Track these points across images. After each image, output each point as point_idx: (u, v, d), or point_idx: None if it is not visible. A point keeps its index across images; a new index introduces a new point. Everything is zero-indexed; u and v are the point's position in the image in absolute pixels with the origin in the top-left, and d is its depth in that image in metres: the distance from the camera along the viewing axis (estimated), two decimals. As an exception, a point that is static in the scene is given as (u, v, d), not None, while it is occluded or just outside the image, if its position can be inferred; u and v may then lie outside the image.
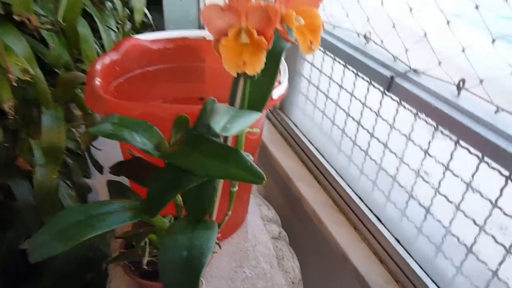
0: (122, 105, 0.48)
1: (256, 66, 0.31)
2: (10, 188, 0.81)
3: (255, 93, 0.40)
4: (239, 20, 0.31)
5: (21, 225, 0.84)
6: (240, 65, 0.31)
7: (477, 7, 0.47)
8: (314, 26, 0.33)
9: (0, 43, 0.64)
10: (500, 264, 0.49)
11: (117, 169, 0.52)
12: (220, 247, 0.67)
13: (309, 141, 0.89)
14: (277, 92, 0.52)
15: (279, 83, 0.55)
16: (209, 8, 0.30)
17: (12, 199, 0.84)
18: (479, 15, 0.47)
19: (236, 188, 0.48)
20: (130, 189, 0.51)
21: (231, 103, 0.39)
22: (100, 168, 1.05)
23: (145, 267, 0.50)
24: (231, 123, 0.31)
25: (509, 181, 0.47)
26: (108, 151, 1.09)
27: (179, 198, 0.48)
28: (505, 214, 0.48)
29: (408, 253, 0.62)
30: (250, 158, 0.36)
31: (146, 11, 1.06)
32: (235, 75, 0.33)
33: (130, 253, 0.50)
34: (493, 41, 0.47)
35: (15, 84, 0.68)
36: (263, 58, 0.31)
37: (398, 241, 0.64)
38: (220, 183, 0.44)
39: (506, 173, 0.47)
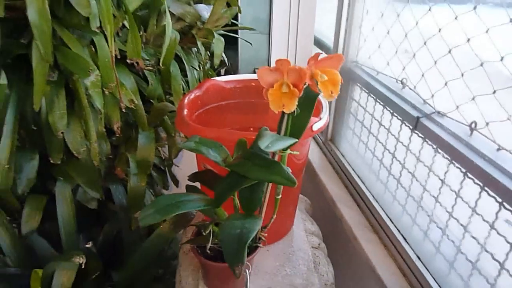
0: (202, 130, 0.67)
1: (291, 107, 0.47)
2: (109, 190, 1.04)
3: (295, 125, 0.56)
4: (282, 77, 0.48)
5: (114, 221, 1.05)
6: (281, 106, 0.47)
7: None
8: (335, 81, 0.49)
9: (117, 80, 0.86)
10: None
11: (194, 177, 0.70)
12: (267, 249, 0.82)
13: (353, 169, 1.02)
14: (317, 125, 0.68)
15: (320, 118, 0.70)
16: (262, 69, 0.47)
17: (110, 200, 1.07)
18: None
19: (279, 196, 0.63)
20: (202, 191, 0.69)
21: (278, 131, 0.56)
22: (176, 182, 1.25)
23: (208, 251, 0.67)
24: (272, 144, 0.47)
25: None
26: (184, 169, 1.31)
27: (236, 200, 0.64)
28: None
29: (426, 268, 0.72)
30: (288, 169, 0.51)
31: (223, 54, 1.28)
32: (276, 112, 0.49)
33: (198, 239, 0.67)
34: None
35: (123, 110, 0.91)
36: (296, 102, 0.47)
37: (419, 258, 0.74)
38: (268, 188, 0.60)
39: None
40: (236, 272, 0.46)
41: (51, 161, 0.86)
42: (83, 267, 0.79)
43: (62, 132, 0.80)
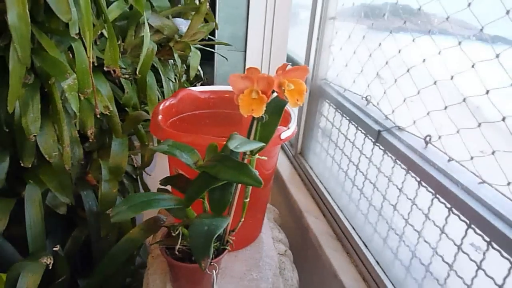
0: (176, 134, 0.69)
1: (259, 112, 0.51)
2: (80, 197, 1.04)
3: (264, 131, 0.59)
4: (252, 84, 0.52)
5: (84, 227, 1.05)
6: (250, 111, 0.51)
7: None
8: (300, 90, 0.53)
9: (93, 86, 0.88)
10: None
11: (165, 181, 0.72)
12: (235, 255, 0.84)
13: (321, 181, 1.07)
14: (285, 134, 0.72)
15: (288, 128, 0.74)
16: (234, 76, 0.51)
17: (80, 206, 1.06)
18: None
19: (247, 199, 0.66)
20: (172, 193, 0.71)
21: (248, 136, 0.59)
22: (147, 191, 1.26)
23: (177, 253, 0.68)
24: (241, 145, 0.51)
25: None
26: (156, 178, 1.32)
27: (205, 202, 0.67)
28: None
29: (385, 274, 0.76)
30: (256, 172, 0.55)
31: (199, 68, 1.31)
32: (245, 116, 0.52)
33: (168, 240, 0.69)
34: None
35: (98, 116, 0.92)
36: (263, 107, 0.51)
37: (378, 263, 0.78)
38: (236, 191, 0.63)
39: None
40: (203, 265, 0.49)
41: (22, 165, 0.86)
42: (50, 267, 0.79)
43: (34, 136, 0.81)
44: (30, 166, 0.86)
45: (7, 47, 0.76)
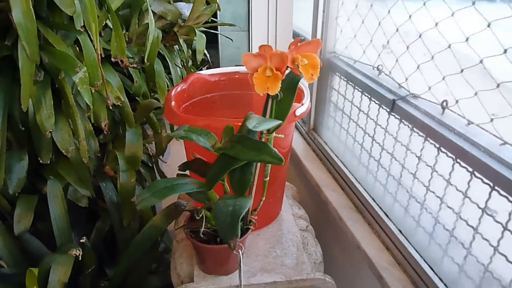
0: (190, 119, 0.69)
1: (274, 89, 0.50)
2: (99, 188, 1.05)
3: (279, 109, 0.59)
4: (266, 62, 0.51)
5: (106, 217, 1.07)
6: (265, 89, 0.50)
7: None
8: (314, 64, 0.52)
9: (103, 77, 0.88)
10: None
11: (184, 166, 0.72)
12: (257, 233, 0.85)
13: (336, 155, 1.07)
14: (300, 110, 0.71)
15: (302, 104, 0.74)
16: (246, 55, 0.51)
17: (100, 198, 1.08)
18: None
19: (267, 178, 0.66)
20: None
21: (263, 115, 0.59)
22: (164, 177, 1.27)
23: (201, 235, 0.69)
24: (259, 124, 0.51)
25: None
26: (172, 165, 1.33)
27: (226, 185, 0.67)
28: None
29: (408, 242, 0.77)
30: (275, 149, 0.55)
31: (205, 51, 1.30)
32: (261, 94, 0.52)
33: (192, 223, 0.70)
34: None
35: (110, 107, 0.92)
36: (279, 84, 0.50)
37: (401, 232, 0.79)
38: (256, 170, 0.63)
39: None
40: (231, 244, 0.49)
41: (41, 161, 0.87)
42: (79, 259, 0.81)
43: (50, 132, 0.82)
44: (48, 162, 0.87)
45: (14, 45, 0.76)
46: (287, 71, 0.53)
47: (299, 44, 0.52)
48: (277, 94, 0.54)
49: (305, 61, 0.52)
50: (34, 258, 0.91)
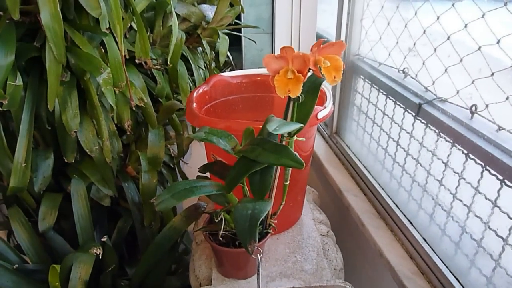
0: (211, 121, 0.69)
1: (296, 92, 0.49)
2: (121, 188, 1.07)
3: (301, 112, 0.58)
4: (287, 64, 0.50)
5: (128, 217, 1.08)
6: (286, 91, 0.49)
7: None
8: (337, 66, 0.51)
9: (127, 79, 0.89)
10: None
11: (204, 168, 0.72)
12: (277, 237, 0.84)
13: (359, 160, 1.04)
14: (322, 113, 0.70)
15: (325, 107, 0.73)
16: (268, 57, 0.50)
17: (122, 197, 1.09)
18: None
19: (288, 182, 0.65)
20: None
21: (285, 117, 0.58)
22: (185, 178, 1.28)
23: (220, 238, 0.69)
24: (280, 127, 0.50)
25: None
26: (193, 167, 1.34)
27: (245, 188, 0.67)
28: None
29: (433, 250, 0.74)
30: (295, 153, 0.54)
31: (228, 53, 1.30)
32: (283, 97, 0.51)
33: (211, 226, 0.70)
34: None
35: (133, 108, 0.94)
36: (300, 87, 0.49)
37: (425, 240, 0.76)
38: (276, 174, 0.62)
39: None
40: (249, 249, 0.49)
41: (66, 160, 0.89)
42: (100, 257, 0.82)
43: (75, 131, 0.83)
44: (73, 161, 0.89)
45: (42, 47, 0.78)
46: (309, 74, 0.52)
47: (322, 46, 0.51)
48: (298, 97, 0.53)
49: (328, 63, 0.50)
50: (57, 255, 0.93)
